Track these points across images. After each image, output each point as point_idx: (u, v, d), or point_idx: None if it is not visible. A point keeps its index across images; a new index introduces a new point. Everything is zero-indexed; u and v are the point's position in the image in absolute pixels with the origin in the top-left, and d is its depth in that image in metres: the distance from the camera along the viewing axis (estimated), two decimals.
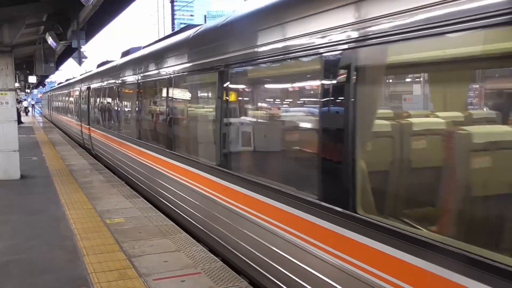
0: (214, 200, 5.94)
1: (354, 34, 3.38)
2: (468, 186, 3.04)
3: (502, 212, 2.78)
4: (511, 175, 2.80)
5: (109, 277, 5.01)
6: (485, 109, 3.29)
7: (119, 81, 12.01)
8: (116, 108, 12.68)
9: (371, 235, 3.24)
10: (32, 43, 15.79)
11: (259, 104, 5.66)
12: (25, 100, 55.48)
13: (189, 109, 7.61)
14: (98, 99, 15.61)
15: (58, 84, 41.55)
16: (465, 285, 2.55)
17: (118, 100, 12.41)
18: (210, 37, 6.49)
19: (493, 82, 3.19)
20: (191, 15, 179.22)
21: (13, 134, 11.07)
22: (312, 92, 4.34)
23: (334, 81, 3.61)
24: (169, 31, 30.42)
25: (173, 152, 7.61)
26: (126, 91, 11.63)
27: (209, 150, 6.29)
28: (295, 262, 4.16)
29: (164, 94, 8.21)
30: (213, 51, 5.93)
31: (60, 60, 22.92)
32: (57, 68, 23.33)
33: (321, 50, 3.74)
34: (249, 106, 5.85)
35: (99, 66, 18.49)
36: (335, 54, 3.58)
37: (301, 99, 4.76)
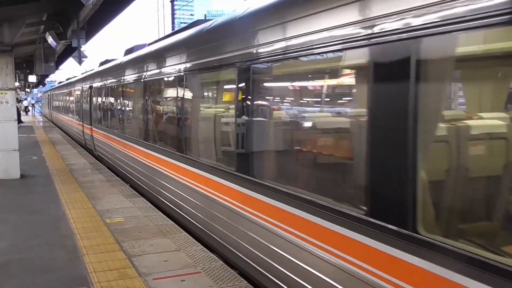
0: (242, 215, 5.19)
1: (416, 21, 2.83)
2: None
3: None
4: None
5: (109, 277, 5.02)
6: None
7: (124, 80, 11.48)
8: (120, 108, 12.16)
9: (437, 261, 2.70)
10: (32, 43, 15.80)
11: (291, 105, 4.97)
12: (25, 99, 55.47)
13: (203, 108, 7.11)
14: (100, 99, 15.08)
15: (59, 83, 41.27)
16: None
17: (123, 99, 11.89)
18: (229, 30, 5.87)
19: None
20: (191, 15, 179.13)
21: (13, 133, 11.07)
22: (357, 90, 3.82)
23: (388, 77, 3.08)
24: (169, 31, 30.46)
25: (184, 155, 7.09)
26: (131, 90, 11.13)
27: (228, 154, 5.87)
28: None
29: (174, 92, 7.62)
30: (233, 45, 5.38)
31: (60, 60, 22.91)
32: (57, 68, 23.34)
33: (372, 41, 3.18)
34: (280, 107, 5.14)
35: (101, 64, 17.99)
36: (390, 46, 3.04)
37: (342, 98, 4.24)
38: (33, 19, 12.23)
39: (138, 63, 10.22)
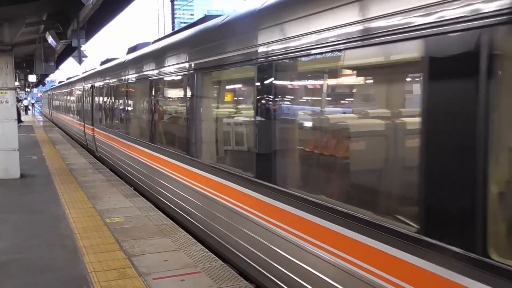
0: (267, 228, 4.71)
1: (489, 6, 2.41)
2: None
3: None
4: None
5: (109, 276, 5.01)
6: None
7: (128, 79, 10.99)
8: (124, 108, 11.64)
9: None
10: (32, 42, 15.79)
11: (326, 105, 4.43)
12: (25, 99, 55.53)
13: (218, 109, 6.64)
14: (103, 98, 14.65)
15: (59, 82, 41.03)
16: None
17: (127, 99, 11.42)
18: (247, 24, 5.33)
19: None
20: (191, 14, 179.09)
21: (13, 133, 11.07)
22: (411, 88, 3.32)
23: (459, 73, 2.63)
24: (169, 30, 30.42)
25: (196, 159, 6.60)
26: (136, 89, 10.69)
27: (246, 159, 5.33)
28: None
29: (185, 91, 7.12)
30: (252, 40, 4.89)
31: (60, 59, 22.90)
32: (57, 67, 23.33)
33: (436, 30, 2.72)
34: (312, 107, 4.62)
35: (103, 63, 17.58)
36: (455, 36, 2.61)
37: (395, 95, 3.68)
38: (33, 19, 12.23)
39: (144, 61, 9.78)
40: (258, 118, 4.81)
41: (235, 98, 6.36)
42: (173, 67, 7.65)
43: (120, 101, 12.37)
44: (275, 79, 4.58)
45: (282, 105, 4.64)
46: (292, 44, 4.19)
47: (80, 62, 14.84)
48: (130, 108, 11.32)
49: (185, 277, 4.99)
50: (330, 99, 4.41)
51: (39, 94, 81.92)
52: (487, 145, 2.47)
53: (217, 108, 6.68)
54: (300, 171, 4.70)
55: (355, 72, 4.06)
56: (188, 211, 6.93)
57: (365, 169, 3.86)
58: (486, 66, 2.44)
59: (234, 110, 6.17)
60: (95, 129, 15.68)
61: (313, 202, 3.94)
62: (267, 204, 4.66)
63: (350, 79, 4.16)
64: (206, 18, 7.73)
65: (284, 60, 4.42)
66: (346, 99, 4.36)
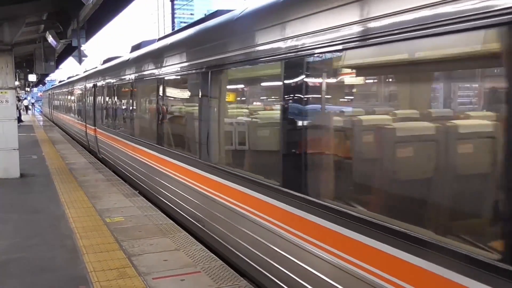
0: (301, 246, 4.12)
1: None
2: None
3: None
4: None
5: (109, 276, 5.01)
6: None
7: (133, 78, 10.44)
8: (130, 108, 11.01)
9: None
10: (32, 42, 15.81)
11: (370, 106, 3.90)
12: (25, 98, 55.58)
13: (236, 109, 6.18)
14: (106, 98, 14.08)
15: (60, 81, 40.71)
16: None
17: (132, 99, 10.82)
18: (270, 15, 4.76)
19: None
20: (191, 14, 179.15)
21: (13, 132, 11.07)
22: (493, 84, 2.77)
23: None
24: (169, 30, 30.33)
25: (210, 164, 6.04)
26: (142, 88, 10.17)
27: (271, 166, 4.80)
28: None
29: (198, 90, 6.50)
30: (277, 34, 4.44)
31: (60, 59, 22.93)
32: (57, 67, 23.36)
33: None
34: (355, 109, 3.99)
35: (105, 62, 16.94)
36: None
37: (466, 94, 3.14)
38: (33, 18, 12.24)
39: (151, 59, 9.25)
40: (286, 119, 4.33)
41: (255, 97, 5.89)
42: (184, 64, 7.12)
43: (125, 100, 11.83)
44: (310, 76, 4.07)
45: (320, 105, 4.09)
46: (333, 35, 3.59)
47: (80, 61, 14.86)
48: (135, 108, 10.77)
49: (185, 276, 4.99)
50: (382, 99, 3.83)
51: (39, 94, 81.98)
52: None
53: (235, 108, 6.25)
54: (340, 181, 3.99)
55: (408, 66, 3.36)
56: (202, 220, 6.37)
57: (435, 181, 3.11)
58: None
59: (254, 110, 5.69)
60: (97, 129, 15.24)
61: (362, 219, 3.34)
62: (299, 217, 4.10)
63: (403, 74, 3.51)
64: (217, 13, 7.22)
65: (321, 55, 3.89)
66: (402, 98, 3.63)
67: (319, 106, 4.13)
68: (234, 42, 5.42)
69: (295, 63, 4.18)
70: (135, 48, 12.13)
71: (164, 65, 8.15)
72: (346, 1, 3.52)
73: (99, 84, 15.17)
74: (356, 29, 3.37)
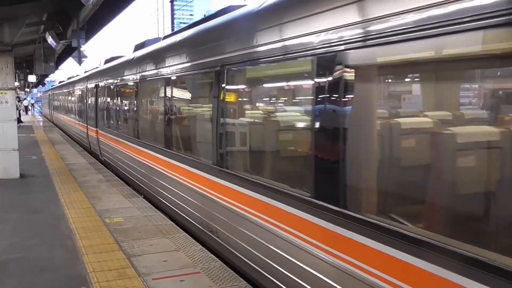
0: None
1: None
2: None
3: None
4: None
5: (108, 277, 5.02)
6: None
7: (138, 77, 9.92)
8: (135, 109, 10.41)
9: None
10: (32, 42, 15.83)
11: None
12: (25, 99, 55.63)
13: (256, 110, 5.65)
14: (109, 99, 13.58)
15: (60, 82, 40.45)
16: None
17: (137, 99, 10.21)
18: (302, 5, 4.19)
19: None
20: (191, 15, 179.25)
21: (12, 133, 11.08)
22: None
23: None
24: (169, 31, 30.33)
25: (225, 170, 5.57)
26: (148, 88, 9.67)
27: (302, 176, 4.30)
28: None
29: (212, 90, 6.02)
30: (304, 27, 3.98)
31: (60, 60, 22.94)
32: (57, 68, 23.37)
33: None
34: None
35: (107, 62, 16.50)
36: None
37: None
38: (33, 19, 12.24)
39: (158, 58, 8.71)
40: (322, 121, 3.83)
41: (280, 96, 5.28)
42: (197, 62, 6.56)
43: (129, 101, 11.27)
44: (352, 73, 3.55)
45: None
46: (379, 27, 3.12)
47: (80, 62, 14.87)
48: (141, 109, 10.16)
49: (185, 277, 4.99)
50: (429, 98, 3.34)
51: (38, 95, 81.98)
52: None
53: (256, 109, 5.73)
54: (390, 193, 3.44)
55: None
56: (216, 230, 5.90)
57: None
58: None
59: (278, 110, 5.20)
60: (99, 131, 14.77)
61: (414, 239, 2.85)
62: (337, 235, 3.56)
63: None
64: (229, 9, 6.79)
65: (361, 49, 3.36)
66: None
67: (368, 107, 3.56)
68: (254, 37, 4.89)
69: (333, 58, 3.59)
70: (138, 47, 11.76)
71: (173, 63, 7.60)
72: None
73: (101, 84, 14.72)
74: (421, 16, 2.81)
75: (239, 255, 5.24)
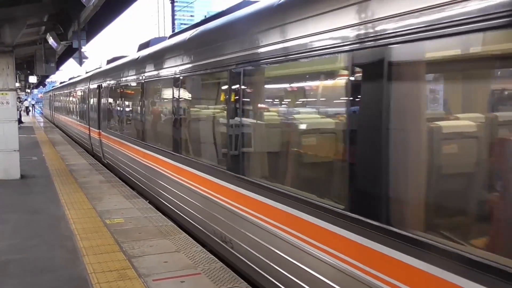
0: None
1: None
2: None
3: None
4: None
5: (109, 278, 5.02)
6: None
7: (145, 77, 9.45)
8: (141, 110, 9.92)
9: None
10: (33, 43, 15.88)
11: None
12: (25, 100, 55.68)
13: (274, 112, 5.15)
14: (112, 99, 13.17)
15: (61, 83, 40.15)
16: None
17: (144, 100, 9.73)
18: None
19: None
20: (191, 16, 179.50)
21: (13, 133, 11.09)
22: None
23: None
24: (169, 32, 30.32)
25: (242, 177, 5.14)
26: (156, 89, 9.23)
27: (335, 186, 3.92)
28: None
29: (232, 91, 5.47)
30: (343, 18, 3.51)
31: (60, 60, 23.00)
32: (57, 68, 23.41)
33: None
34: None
35: (109, 62, 16.13)
36: None
37: None
38: (34, 20, 12.27)
39: (168, 56, 8.23)
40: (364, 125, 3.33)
41: (308, 97, 4.82)
42: (211, 61, 6.07)
43: (135, 102, 10.80)
44: (401, 70, 3.09)
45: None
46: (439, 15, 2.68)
47: (80, 63, 14.90)
48: (148, 111, 9.69)
49: (185, 278, 4.99)
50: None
51: (39, 95, 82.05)
52: None
53: (274, 111, 5.21)
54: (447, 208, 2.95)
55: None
56: (230, 240, 5.48)
57: None
58: None
59: (304, 112, 4.75)
60: (102, 133, 14.29)
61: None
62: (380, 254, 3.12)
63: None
64: (242, 4, 6.36)
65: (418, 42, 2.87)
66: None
67: (420, 108, 3.10)
68: (278, 33, 4.44)
69: (381, 53, 3.13)
70: (143, 46, 11.38)
71: (184, 62, 7.13)
72: None
73: (104, 84, 14.23)
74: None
75: (258, 269, 4.85)
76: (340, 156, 3.78)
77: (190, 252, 5.80)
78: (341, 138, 3.70)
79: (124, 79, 11.63)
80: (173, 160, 7.61)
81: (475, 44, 2.65)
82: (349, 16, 3.43)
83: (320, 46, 3.78)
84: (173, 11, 34.19)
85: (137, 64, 10.34)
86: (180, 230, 6.86)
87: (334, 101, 4.16)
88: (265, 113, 5.23)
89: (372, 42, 3.17)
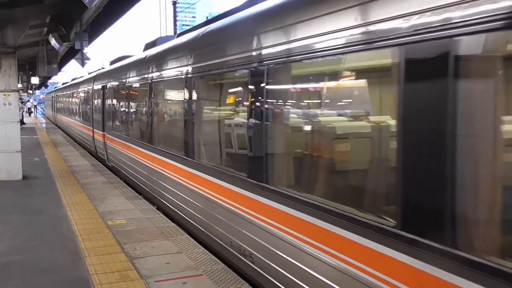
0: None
1: None
2: None
3: None
4: None
5: (111, 279, 5.01)
6: None
7: (153, 77, 9.03)
8: (148, 112, 9.43)
9: None
10: (35, 44, 15.91)
11: None
12: (28, 101, 55.82)
13: (303, 115, 4.70)
14: (117, 100, 12.84)
15: (64, 83, 40.06)
16: None
17: (151, 101, 9.24)
18: None
19: None
20: (193, 17, 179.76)
21: (15, 134, 11.11)
22: None
23: None
24: (171, 33, 30.36)
25: (264, 185, 4.69)
26: (165, 90, 8.85)
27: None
28: None
29: (255, 91, 4.92)
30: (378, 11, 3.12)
31: (62, 61, 23.05)
32: (59, 69, 23.50)
33: None
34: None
35: (113, 62, 15.81)
36: None
37: None
38: (36, 21, 12.30)
39: (177, 55, 7.77)
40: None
41: (345, 98, 4.40)
42: (227, 59, 5.60)
43: (142, 103, 10.33)
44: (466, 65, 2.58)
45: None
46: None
47: (82, 64, 14.95)
48: (157, 112, 9.21)
49: (187, 279, 4.98)
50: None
51: (41, 96, 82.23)
52: None
53: (304, 114, 4.74)
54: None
55: None
56: (250, 254, 5.04)
57: None
58: None
59: (334, 115, 4.39)
60: (107, 135, 13.90)
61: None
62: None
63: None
64: (257, 0, 5.78)
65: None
66: None
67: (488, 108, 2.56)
68: (311, 26, 3.95)
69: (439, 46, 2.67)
70: (149, 45, 10.96)
71: (198, 60, 6.63)
72: None
73: (109, 85, 13.71)
74: None
75: (282, 286, 4.41)
76: (390, 167, 3.17)
77: (192, 253, 5.79)
78: (391, 144, 3.15)
79: (130, 79, 11.13)
80: (183, 165, 7.18)
81: None
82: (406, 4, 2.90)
83: (367, 40, 3.22)
84: (175, 12, 34.22)
85: (145, 64, 9.86)
86: (182, 231, 6.85)
87: (383, 99, 3.72)
88: (297, 115, 4.72)
89: (434, 34, 2.66)
